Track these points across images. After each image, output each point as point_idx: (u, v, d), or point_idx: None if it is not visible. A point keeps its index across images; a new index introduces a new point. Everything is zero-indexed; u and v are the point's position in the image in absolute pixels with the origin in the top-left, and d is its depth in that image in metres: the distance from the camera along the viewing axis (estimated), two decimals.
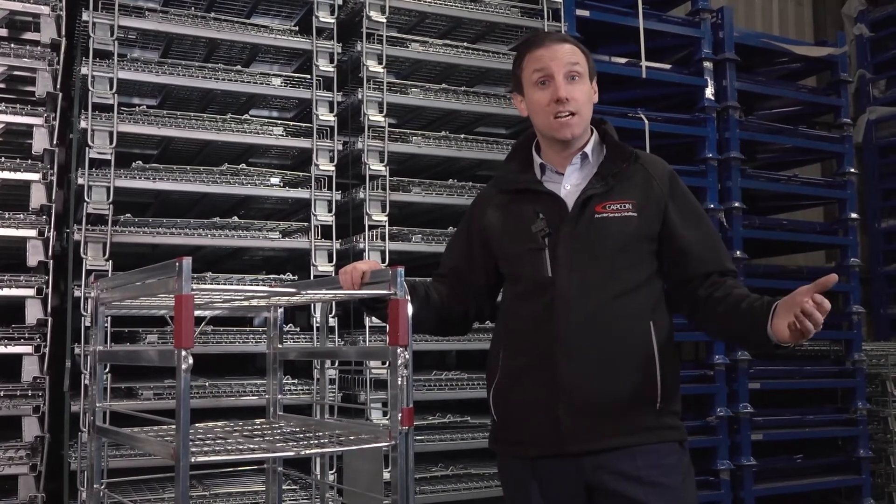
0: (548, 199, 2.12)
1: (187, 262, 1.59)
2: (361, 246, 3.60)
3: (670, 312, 2.14)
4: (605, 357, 2.00)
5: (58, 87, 3.25)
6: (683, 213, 2.12)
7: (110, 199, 3.19)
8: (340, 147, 3.67)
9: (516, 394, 2.10)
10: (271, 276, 3.55)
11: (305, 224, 3.58)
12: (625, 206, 2.07)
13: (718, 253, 2.12)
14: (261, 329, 3.50)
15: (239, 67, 3.64)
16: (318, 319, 3.41)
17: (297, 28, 3.75)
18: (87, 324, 2.96)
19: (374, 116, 3.69)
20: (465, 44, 4.07)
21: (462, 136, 3.97)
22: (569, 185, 2.13)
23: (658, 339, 2.03)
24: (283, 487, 2.48)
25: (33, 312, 3.12)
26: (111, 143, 3.23)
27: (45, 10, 3.26)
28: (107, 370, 2.96)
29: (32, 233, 3.14)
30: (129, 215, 3.29)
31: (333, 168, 3.61)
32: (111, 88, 3.26)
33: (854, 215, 5.11)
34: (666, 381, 2.02)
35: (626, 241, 2.06)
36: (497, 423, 2.17)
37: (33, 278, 3.13)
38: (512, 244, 2.15)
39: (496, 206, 2.22)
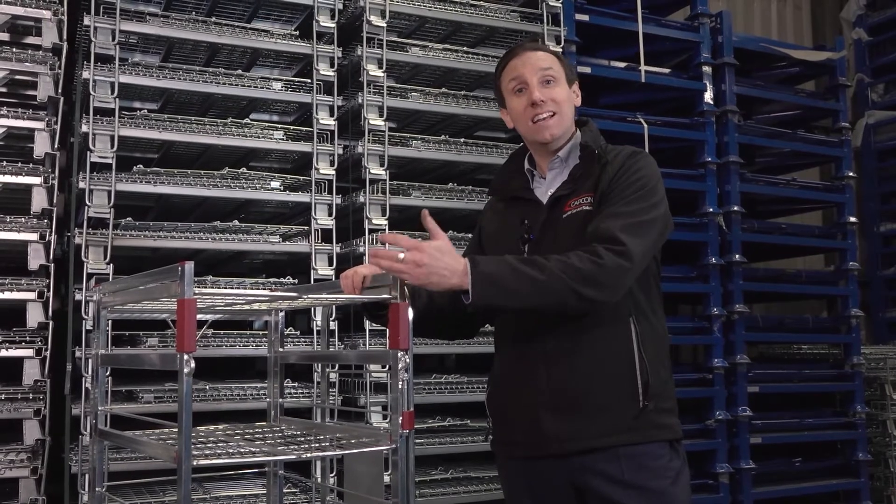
0: (532, 205, 2.13)
1: (189, 266, 1.60)
2: (362, 249, 3.60)
3: (660, 310, 2.10)
4: (582, 358, 1.99)
5: (59, 91, 3.26)
6: (613, 190, 2.00)
7: (111, 203, 3.20)
8: (341, 151, 3.68)
9: (504, 396, 2.13)
10: (271, 280, 3.55)
11: (306, 228, 3.58)
12: (586, 201, 2.03)
13: (613, 220, 1.94)
14: (261, 333, 3.50)
15: (239, 72, 3.65)
16: (319, 323, 3.41)
17: (297, 32, 3.77)
18: (89, 327, 2.97)
19: (375, 120, 3.70)
20: (464, 48, 4.08)
21: (462, 139, 3.97)
22: (550, 189, 2.13)
23: (640, 339, 2.00)
24: (284, 491, 2.48)
25: (34, 316, 3.13)
26: (112, 146, 3.23)
27: (47, 14, 3.26)
28: (108, 373, 2.96)
29: (34, 236, 3.15)
30: (130, 219, 3.29)
31: (334, 172, 3.62)
32: (112, 92, 3.26)
33: (852, 219, 5.13)
34: (649, 380, 1.98)
35: (586, 237, 1.97)
36: (493, 424, 2.20)
37: (34, 282, 3.14)
38: (496, 250, 2.16)
39: (495, 211, 2.27)
